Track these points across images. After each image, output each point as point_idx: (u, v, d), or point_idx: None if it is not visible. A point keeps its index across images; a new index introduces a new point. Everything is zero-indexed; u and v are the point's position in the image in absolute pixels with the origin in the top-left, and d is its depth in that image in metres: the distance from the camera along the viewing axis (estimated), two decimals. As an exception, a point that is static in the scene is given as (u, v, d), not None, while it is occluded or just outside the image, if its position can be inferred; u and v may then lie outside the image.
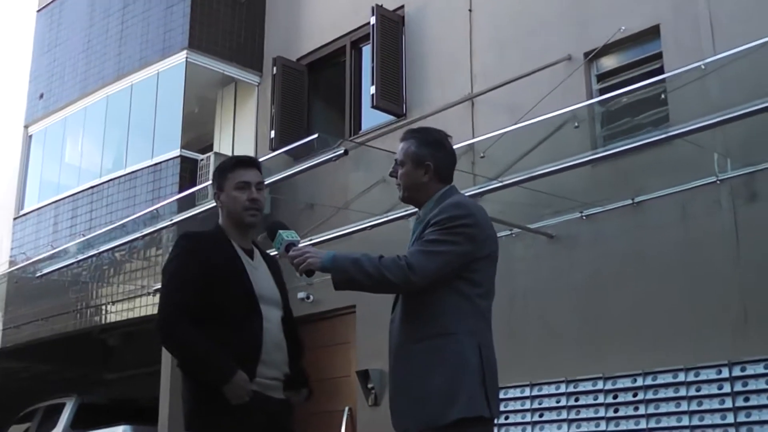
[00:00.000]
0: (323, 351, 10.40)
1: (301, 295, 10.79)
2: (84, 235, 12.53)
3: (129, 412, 12.62)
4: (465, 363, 3.31)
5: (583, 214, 8.14)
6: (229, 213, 3.83)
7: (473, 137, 9.20)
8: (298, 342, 3.93)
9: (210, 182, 10.74)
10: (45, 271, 10.39)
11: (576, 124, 7.17)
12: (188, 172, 11.60)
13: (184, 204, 11.02)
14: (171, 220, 9.64)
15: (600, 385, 7.55)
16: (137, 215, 9.97)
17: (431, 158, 3.57)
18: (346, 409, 9.94)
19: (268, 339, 3.66)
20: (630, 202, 7.82)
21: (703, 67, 6.83)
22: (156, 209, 9.60)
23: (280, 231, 3.56)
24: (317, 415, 10.31)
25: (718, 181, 7.27)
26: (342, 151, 6.77)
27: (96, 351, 14.38)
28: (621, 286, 7.80)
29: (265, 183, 8.81)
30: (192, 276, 3.63)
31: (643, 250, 7.74)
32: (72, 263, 9.95)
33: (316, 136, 7.30)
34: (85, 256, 9.79)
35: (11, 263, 14.18)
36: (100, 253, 9.67)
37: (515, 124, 7.49)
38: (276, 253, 3.63)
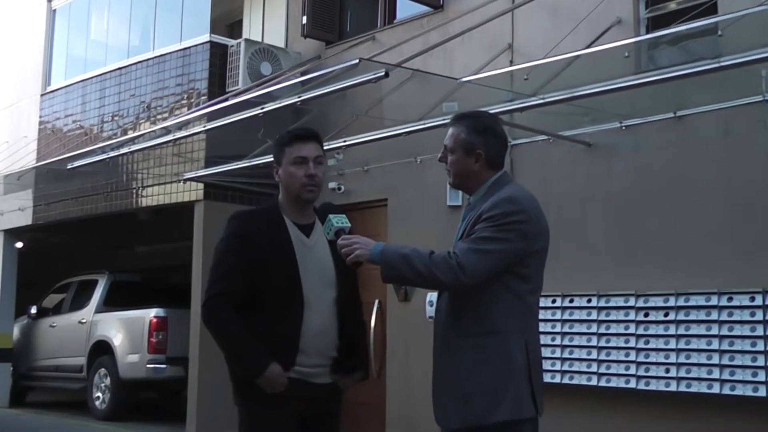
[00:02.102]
0: (353, 242, 10.32)
1: (332, 185, 10.77)
2: (113, 118, 12.49)
3: (161, 294, 12.87)
4: (512, 362, 3.29)
5: (623, 125, 7.93)
6: (286, 189, 3.76)
7: (512, 36, 8.98)
8: (357, 322, 3.90)
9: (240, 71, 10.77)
10: (76, 164, 10.33)
11: (626, 53, 6.92)
12: (218, 57, 11.36)
13: (215, 93, 10.91)
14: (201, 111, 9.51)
15: (632, 302, 7.52)
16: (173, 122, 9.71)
17: (482, 146, 3.47)
18: (376, 302, 10.03)
19: (309, 327, 3.62)
20: (672, 115, 7.60)
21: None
22: (189, 115, 9.40)
23: (330, 216, 3.49)
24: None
25: (765, 100, 7.04)
26: (382, 73, 6.57)
27: (127, 225, 14.53)
28: (659, 201, 7.67)
29: (300, 72, 8.74)
30: (238, 262, 3.60)
31: (683, 165, 7.57)
32: (103, 158, 9.87)
33: (356, 61, 7.07)
34: (115, 153, 9.71)
35: (39, 140, 14.19)
36: (132, 152, 9.57)
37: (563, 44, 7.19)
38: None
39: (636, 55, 7.72)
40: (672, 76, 6.43)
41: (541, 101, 6.79)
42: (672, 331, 7.22)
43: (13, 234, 15.38)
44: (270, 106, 7.48)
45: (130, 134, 10.73)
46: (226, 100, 9.16)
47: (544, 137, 8.38)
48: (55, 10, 14.91)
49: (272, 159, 3.83)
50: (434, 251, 3.30)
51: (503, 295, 3.33)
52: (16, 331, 15.22)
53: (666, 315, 7.29)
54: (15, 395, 14.99)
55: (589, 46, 7.34)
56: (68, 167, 10.62)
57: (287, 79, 8.49)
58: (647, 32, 8.07)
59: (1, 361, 14.93)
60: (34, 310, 14.66)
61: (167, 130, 9.11)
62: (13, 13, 16.37)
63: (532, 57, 8.17)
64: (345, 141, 8.70)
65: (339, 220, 3.48)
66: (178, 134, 8.99)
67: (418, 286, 3.36)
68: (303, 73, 10.36)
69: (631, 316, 7.51)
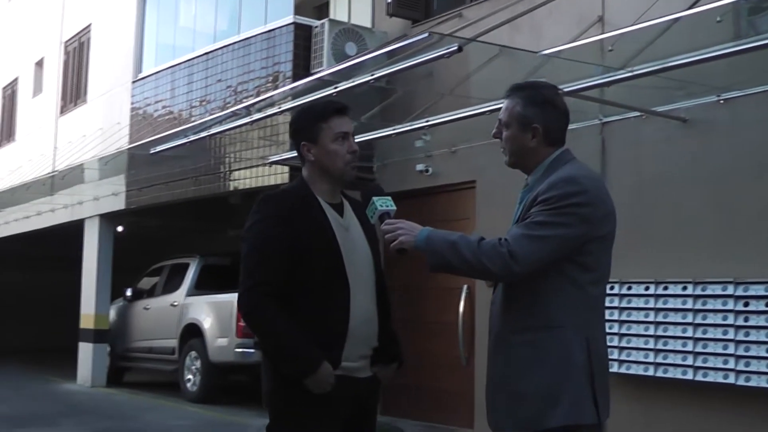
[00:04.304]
0: (441, 226, 9.97)
1: (419, 167, 10.56)
2: (200, 103, 12.47)
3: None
4: (570, 361, 2.96)
5: (721, 98, 7.40)
6: (325, 168, 3.44)
7: (602, 7, 8.53)
8: (387, 306, 3.58)
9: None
10: (159, 148, 10.31)
11: (718, 18, 6.41)
12: (302, 39, 11.19)
13: (300, 76, 10.73)
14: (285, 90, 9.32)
15: (730, 290, 7.01)
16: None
17: (540, 120, 3.14)
18: (465, 287, 9.76)
19: (356, 314, 3.34)
20: (774, 88, 7.09)
21: None
22: (272, 96, 9.23)
23: (374, 198, 3.22)
24: (436, 290, 10.23)
25: None
26: (455, 47, 6.24)
27: (218, 209, 14.56)
28: (761, 180, 7.15)
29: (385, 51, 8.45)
30: (275, 248, 3.28)
31: (788, 142, 7.06)
32: (185, 142, 9.80)
33: (426, 34, 6.75)
34: (196, 137, 9.62)
35: (131, 126, 14.33)
36: (212, 135, 9.47)
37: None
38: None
39: (735, 21, 7.18)
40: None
41: (630, 74, 6.35)
42: (775, 321, 6.73)
43: (108, 218, 15.65)
44: (344, 85, 7.23)
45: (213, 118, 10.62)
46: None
47: (637, 114, 7.93)
48: (145, -1, 15.02)
49: (303, 137, 3.46)
50: (484, 238, 3.00)
51: (561, 286, 3.00)
52: (113, 313, 15.56)
53: (768, 305, 6.80)
54: (113, 375, 15.34)
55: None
56: (151, 152, 10.62)
57: (366, 58, 8.19)
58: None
59: (98, 341, 15.25)
60: (129, 292, 14.91)
61: (247, 111, 8.93)
62: (106, 3, 16.56)
63: (626, 30, 7.72)
64: (428, 121, 8.40)
65: (384, 203, 3.21)
66: (256, 116, 8.81)
67: (467, 275, 3.07)
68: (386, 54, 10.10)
69: (730, 305, 7.00)
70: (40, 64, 19.66)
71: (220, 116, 9.75)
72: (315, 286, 3.30)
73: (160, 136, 11.12)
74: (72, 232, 16.53)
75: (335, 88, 7.16)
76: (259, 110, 9.00)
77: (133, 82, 14.76)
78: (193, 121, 12.15)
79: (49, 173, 14.69)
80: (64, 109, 17.98)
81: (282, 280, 3.27)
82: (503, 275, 2.98)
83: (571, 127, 8.42)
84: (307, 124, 3.47)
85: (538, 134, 3.14)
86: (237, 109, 9.16)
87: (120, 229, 16.23)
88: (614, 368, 7.64)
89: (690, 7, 6.59)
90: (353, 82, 7.12)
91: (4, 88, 21.98)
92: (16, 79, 21.10)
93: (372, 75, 6.90)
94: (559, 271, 2.99)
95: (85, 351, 15.49)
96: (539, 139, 3.15)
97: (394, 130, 8.95)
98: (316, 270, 3.30)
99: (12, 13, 22.15)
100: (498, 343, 3.13)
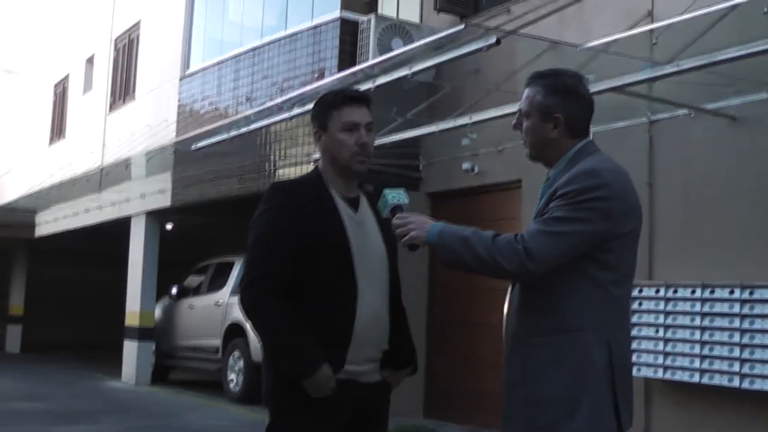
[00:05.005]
0: (487, 226, 9.84)
1: (465, 166, 10.43)
2: (246, 99, 12.42)
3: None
4: (590, 366, 2.75)
5: (772, 95, 7.17)
6: (333, 158, 3.27)
7: (651, 1, 8.31)
8: (401, 310, 3.39)
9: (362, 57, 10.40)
10: (200, 144, 10.26)
11: (766, 9, 6.16)
12: (349, 35, 11.05)
13: (345, 67, 10.60)
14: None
15: (780, 295, 6.79)
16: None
17: (561, 109, 2.93)
18: (510, 287, 9.55)
19: (363, 314, 3.15)
20: (830, 83, 6.81)
21: None
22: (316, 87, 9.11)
23: (386, 191, 3.04)
24: (480, 291, 10.05)
25: None
26: (494, 41, 6.07)
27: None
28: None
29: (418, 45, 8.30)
30: (283, 239, 3.12)
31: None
32: (223, 139, 9.74)
33: (462, 26, 6.57)
34: (237, 132, 9.55)
35: (178, 123, 14.33)
36: (252, 131, 9.38)
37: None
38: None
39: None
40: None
41: (676, 69, 6.12)
42: (828, 327, 6.45)
43: (155, 216, 15.68)
44: (382, 79, 7.10)
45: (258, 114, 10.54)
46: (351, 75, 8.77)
47: (685, 111, 7.69)
48: (195, -7, 15.03)
49: (316, 124, 3.32)
50: (500, 233, 2.82)
51: (581, 285, 2.80)
52: (158, 311, 15.57)
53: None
54: (158, 373, 15.34)
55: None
56: (192, 148, 10.57)
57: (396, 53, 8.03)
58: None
59: (143, 339, 15.27)
60: (175, 290, 14.90)
61: (282, 107, 8.83)
62: (154, 1, 16.65)
63: (674, 25, 7.48)
64: (471, 118, 8.23)
65: (395, 196, 3.03)
66: (296, 111, 8.69)
67: (481, 273, 2.86)
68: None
69: (780, 310, 6.75)
70: (90, 61, 19.83)
71: (260, 111, 9.64)
72: (321, 283, 3.14)
73: (200, 132, 11.08)
74: (119, 229, 16.62)
75: (373, 82, 7.02)
76: (298, 104, 8.88)
77: (181, 78, 14.77)
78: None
79: (93, 169, 14.74)
80: (113, 106, 18.10)
81: (288, 274, 3.11)
82: (518, 274, 2.79)
83: (619, 125, 8.28)
84: (320, 111, 3.32)
85: (561, 124, 2.93)
86: (277, 104, 9.05)
87: (169, 226, 16.25)
88: (659, 374, 7.42)
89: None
90: (391, 76, 6.97)
91: (56, 85, 22.22)
92: (67, 76, 21.31)
93: (410, 69, 6.74)
94: (579, 269, 2.79)
95: (130, 349, 15.55)
96: (561, 129, 2.94)
97: (437, 126, 8.81)
98: (323, 266, 3.14)
99: (64, 10, 22.40)
100: (515, 345, 2.94)
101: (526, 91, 3.00)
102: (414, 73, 6.71)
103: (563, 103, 2.94)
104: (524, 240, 2.75)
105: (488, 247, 2.76)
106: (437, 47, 7.54)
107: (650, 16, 8.20)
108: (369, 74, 7.42)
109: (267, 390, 3.22)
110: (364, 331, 3.16)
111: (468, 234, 2.81)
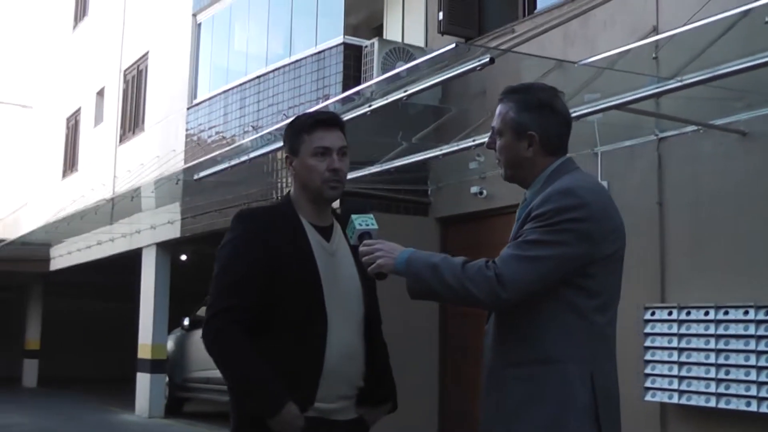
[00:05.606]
0: (498, 251, 9.67)
1: (474, 189, 10.28)
2: (253, 127, 12.31)
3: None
4: (570, 400, 2.56)
5: (783, 109, 6.96)
6: (304, 184, 3.10)
7: (656, 16, 8.13)
8: (380, 344, 3.20)
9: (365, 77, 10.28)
10: (202, 174, 10.16)
11: (767, 19, 5.95)
12: (352, 59, 10.95)
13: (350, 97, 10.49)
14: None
15: (797, 315, 6.54)
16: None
17: (536, 126, 2.74)
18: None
19: (334, 350, 2.97)
20: (844, 95, 6.59)
21: None
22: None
23: (353, 216, 2.86)
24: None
25: None
26: (487, 59, 5.90)
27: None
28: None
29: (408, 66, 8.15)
30: (249, 270, 2.95)
31: None
32: (225, 168, 9.63)
33: (453, 45, 6.40)
34: (238, 161, 9.43)
35: (186, 153, 14.24)
36: (250, 159, 9.26)
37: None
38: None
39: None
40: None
41: (680, 83, 5.92)
42: None
43: (165, 247, 15.59)
44: (378, 103, 6.95)
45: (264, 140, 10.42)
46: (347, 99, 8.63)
47: (694, 128, 7.48)
48: (200, 24, 14.99)
49: (287, 147, 3.16)
50: (470, 260, 2.62)
51: (560, 314, 2.60)
52: (171, 343, 15.43)
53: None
54: (172, 405, 15.16)
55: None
56: (194, 178, 10.46)
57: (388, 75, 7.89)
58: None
59: (156, 372, 15.13)
60: (187, 321, 14.74)
61: (274, 135, 8.72)
62: (162, 32, 16.63)
63: (678, 40, 7.30)
64: (474, 140, 8.06)
65: (363, 222, 2.85)
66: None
67: (451, 302, 2.70)
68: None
69: (797, 330, 6.50)
70: (101, 93, 19.84)
71: (263, 137, 9.53)
72: (289, 316, 2.96)
73: (199, 161, 10.96)
74: (132, 261, 16.51)
75: (369, 105, 6.87)
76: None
77: (188, 108, 14.71)
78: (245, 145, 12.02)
79: (100, 201, 14.67)
80: (123, 138, 18.07)
81: (252, 306, 2.94)
82: (490, 302, 2.59)
83: (627, 143, 8.08)
84: (291, 134, 3.15)
85: (535, 142, 2.75)
86: (279, 130, 8.93)
87: (184, 257, 16.12)
88: (674, 399, 7.17)
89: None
90: (386, 99, 6.82)
91: (68, 118, 22.25)
92: (78, 109, 21.32)
93: (405, 92, 6.58)
94: (558, 297, 2.59)
95: (143, 381, 15.41)
96: (536, 147, 2.76)
97: (440, 150, 8.65)
98: (291, 298, 2.96)
99: (75, 44, 22.46)
100: (491, 379, 2.73)
101: (498, 108, 2.83)
102: (409, 95, 6.52)
103: (538, 119, 2.75)
104: (496, 266, 2.55)
105: (457, 275, 2.57)
106: (437, 69, 7.40)
107: (655, 31, 8.01)
108: (367, 98, 7.27)
109: (234, 429, 3.05)
110: (336, 367, 2.98)
111: (437, 260, 2.62)
